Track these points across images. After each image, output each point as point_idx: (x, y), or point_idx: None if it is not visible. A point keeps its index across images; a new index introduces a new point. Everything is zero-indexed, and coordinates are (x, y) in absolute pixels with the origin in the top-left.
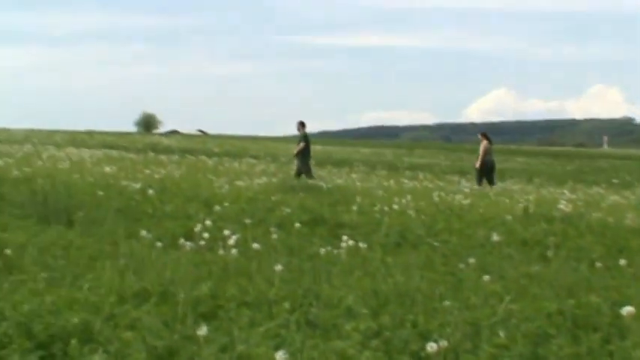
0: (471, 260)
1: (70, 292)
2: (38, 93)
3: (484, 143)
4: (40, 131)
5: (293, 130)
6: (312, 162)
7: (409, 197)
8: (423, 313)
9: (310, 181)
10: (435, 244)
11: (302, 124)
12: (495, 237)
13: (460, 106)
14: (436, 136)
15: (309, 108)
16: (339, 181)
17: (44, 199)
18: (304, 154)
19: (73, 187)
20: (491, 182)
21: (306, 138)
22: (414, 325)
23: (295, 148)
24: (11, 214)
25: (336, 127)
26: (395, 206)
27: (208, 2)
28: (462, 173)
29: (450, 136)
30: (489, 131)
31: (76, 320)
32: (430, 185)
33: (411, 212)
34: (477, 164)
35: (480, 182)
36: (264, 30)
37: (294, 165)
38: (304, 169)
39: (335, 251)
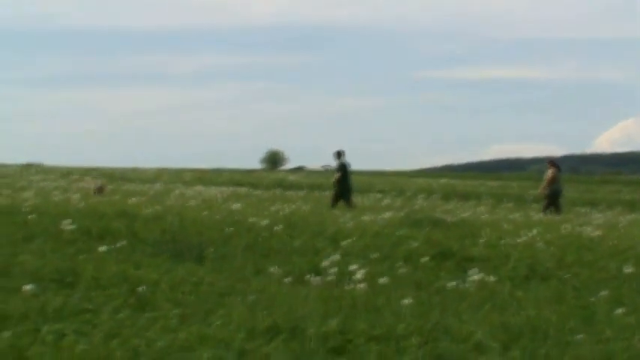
0: (603, 293)
1: (202, 328)
2: (167, 132)
3: (552, 171)
4: (169, 170)
5: (419, 164)
6: (352, 192)
7: (537, 230)
8: (555, 347)
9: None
10: (565, 276)
11: (338, 154)
12: (628, 269)
13: (588, 137)
14: (564, 167)
15: (434, 141)
16: (466, 215)
17: (175, 237)
18: (342, 184)
19: (202, 224)
20: (558, 210)
21: (342, 167)
22: (546, 359)
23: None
24: (144, 252)
25: (461, 161)
26: (523, 239)
27: (330, 39)
28: (592, 205)
29: (578, 167)
30: (620, 162)
31: (207, 356)
32: (558, 217)
33: (540, 245)
34: (545, 192)
35: (546, 210)
36: (386, 65)
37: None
38: (344, 198)
39: (463, 285)
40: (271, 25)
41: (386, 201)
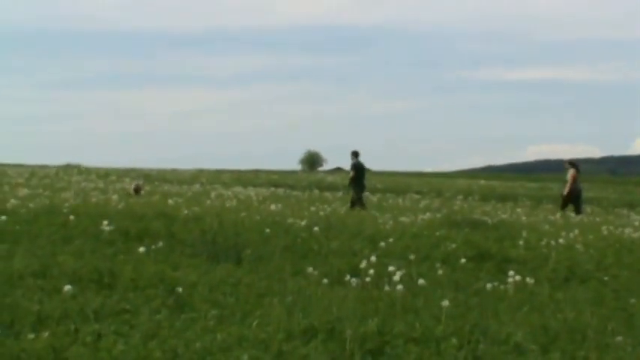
0: None
1: (240, 329)
2: (205, 133)
3: (572, 171)
4: (208, 171)
5: (457, 166)
6: (365, 192)
7: (576, 231)
8: (595, 349)
9: (363, 212)
10: (605, 278)
11: (353, 154)
12: None
13: (628, 139)
14: (602, 169)
15: (474, 142)
16: (504, 216)
17: (213, 238)
18: (356, 184)
19: (240, 225)
20: (578, 211)
21: (356, 167)
22: None
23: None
24: (182, 253)
25: (500, 162)
26: (562, 240)
27: (369, 40)
28: (631, 206)
29: (617, 169)
30: None
31: (245, 357)
32: (598, 219)
33: (579, 246)
34: (565, 191)
35: (564, 209)
36: (425, 66)
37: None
38: (356, 198)
39: (502, 286)
40: (310, 26)
41: (424, 202)
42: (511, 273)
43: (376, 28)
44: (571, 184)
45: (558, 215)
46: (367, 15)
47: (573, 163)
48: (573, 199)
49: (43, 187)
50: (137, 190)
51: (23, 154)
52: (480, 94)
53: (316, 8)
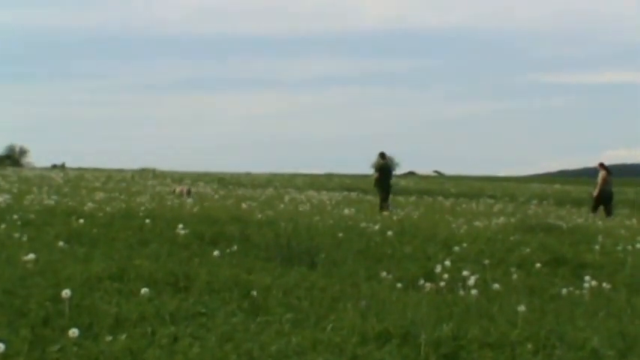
0: None
1: (314, 333)
2: (279, 137)
3: (603, 174)
4: (281, 175)
5: (531, 170)
6: (390, 194)
7: None
8: None
9: (384, 212)
10: None
11: (380, 155)
12: None
13: None
14: None
15: (548, 147)
16: (580, 221)
17: (287, 242)
18: (380, 185)
19: (314, 229)
20: (609, 212)
21: (380, 168)
22: None
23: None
24: (256, 257)
25: (575, 166)
26: (639, 245)
27: (441, 44)
28: None
29: None
30: None
31: None
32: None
33: None
34: (595, 193)
35: (595, 210)
36: (498, 69)
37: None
38: (380, 200)
39: (578, 292)
40: (382, 30)
41: (498, 206)
42: (587, 278)
43: (448, 32)
44: (601, 185)
45: (590, 217)
46: (439, 19)
47: (604, 166)
48: (604, 201)
49: (119, 190)
50: (187, 193)
51: (100, 159)
52: (553, 98)
53: (389, 12)
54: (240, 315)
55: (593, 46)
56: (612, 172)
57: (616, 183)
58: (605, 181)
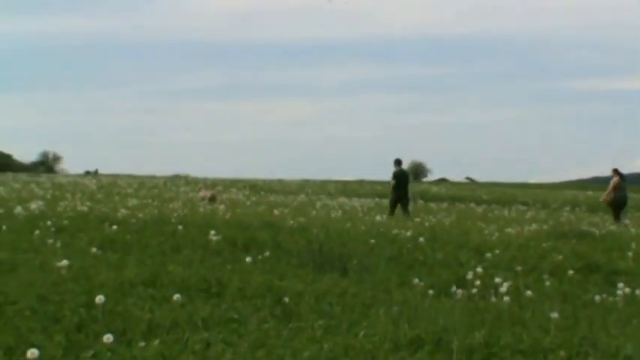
0: None
1: (346, 339)
2: (311, 144)
3: (615, 180)
4: (313, 181)
5: (564, 177)
6: (409, 201)
7: None
8: None
9: (387, 216)
10: None
11: (395, 162)
12: None
13: None
14: None
15: (580, 153)
16: (612, 227)
17: (319, 248)
18: (396, 191)
19: (345, 235)
20: (616, 217)
21: (395, 175)
22: None
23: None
24: (288, 263)
25: (608, 173)
26: None
27: (475, 51)
28: None
29: None
30: None
31: None
32: (616, 225)
33: None
34: (604, 199)
35: (617, 218)
36: (530, 75)
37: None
38: (401, 204)
39: (611, 299)
40: (415, 36)
41: (530, 213)
42: (620, 285)
43: (483, 38)
44: (610, 191)
45: (618, 225)
46: (474, 24)
47: (618, 172)
48: (618, 206)
49: (151, 197)
50: (213, 199)
51: (132, 165)
52: (587, 104)
53: (420, 18)
54: (272, 321)
55: (625, 51)
56: (626, 178)
57: None
58: (616, 187)
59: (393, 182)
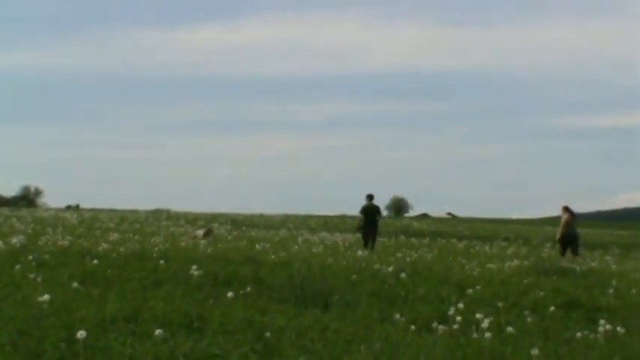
0: None
1: None
2: (292, 179)
3: (566, 217)
4: (294, 216)
5: (545, 212)
6: (375, 236)
7: None
8: None
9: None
10: None
11: (367, 196)
12: None
13: None
14: None
15: (561, 189)
16: (593, 264)
17: (301, 283)
18: (364, 227)
19: (327, 270)
20: (575, 252)
21: (364, 210)
22: None
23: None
24: (270, 298)
25: (589, 209)
26: None
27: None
28: None
29: None
30: None
31: None
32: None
33: None
34: (557, 236)
35: (563, 253)
36: (509, 112)
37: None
38: (364, 240)
39: (592, 335)
40: (395, 72)
41: (511, 249)
42: (601, 322)
43: (461, 74)
44: (563, 227)
45: (563, 260)
46: (451, 61)
47: (568, 209)
48: (567, 242)
49: (133, 231)
50: (207, 234)
51: (114, 199)
52: (564, 142)
53: (402, 55)
54: (253, 357)
55: (605, 88)
56: (576, 215)
57: (630, 227)
58: (567, 224)
59: (361, 216)
